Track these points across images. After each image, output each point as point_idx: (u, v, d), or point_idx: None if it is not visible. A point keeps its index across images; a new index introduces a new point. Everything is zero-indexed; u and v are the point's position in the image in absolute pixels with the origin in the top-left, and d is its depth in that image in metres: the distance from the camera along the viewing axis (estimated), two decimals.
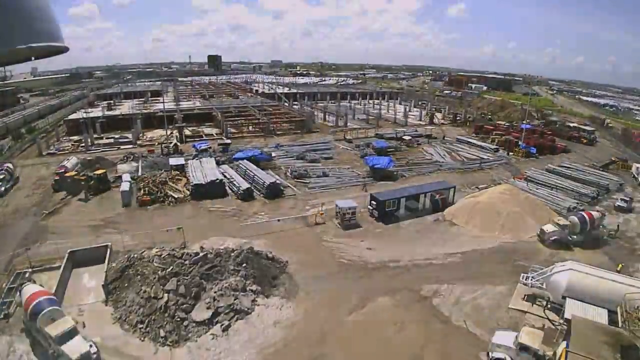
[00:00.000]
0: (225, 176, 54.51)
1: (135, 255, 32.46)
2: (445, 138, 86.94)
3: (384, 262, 35.84)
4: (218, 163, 60.99)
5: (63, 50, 6.81)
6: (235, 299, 28.04)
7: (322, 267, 34.62)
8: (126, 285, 29.51)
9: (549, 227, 40.20)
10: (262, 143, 77.87)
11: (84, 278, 32.05)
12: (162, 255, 31.89)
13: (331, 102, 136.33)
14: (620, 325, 22.83)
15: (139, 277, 29.61)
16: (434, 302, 30.24)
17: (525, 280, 30.67)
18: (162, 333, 25.61)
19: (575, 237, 39.88)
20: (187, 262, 30.65)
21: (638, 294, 24.89)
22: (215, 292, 28.38)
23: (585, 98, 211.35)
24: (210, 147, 69.96)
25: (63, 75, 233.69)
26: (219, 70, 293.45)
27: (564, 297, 28.18)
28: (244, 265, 31.27)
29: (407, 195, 46.83)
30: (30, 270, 32.34)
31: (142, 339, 25.52)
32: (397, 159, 67.21)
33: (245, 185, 51.17)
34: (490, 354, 24.09)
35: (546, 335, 24.97)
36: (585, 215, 40.66)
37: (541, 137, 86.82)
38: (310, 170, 60.59)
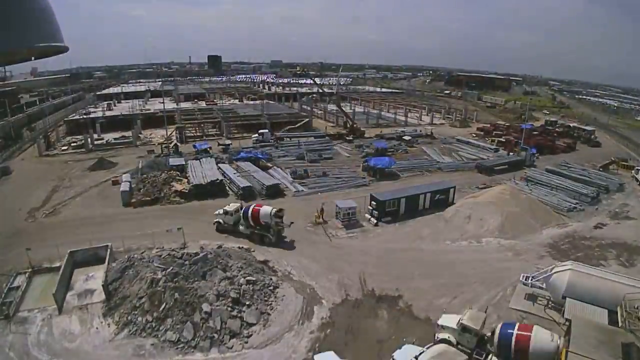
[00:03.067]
0: (225, 176, 54.66)
1: (136, 256, 32.49)
2: (447, 138, 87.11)
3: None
4: (218, 163, 61.30)
5: (63, 50, 6.79)
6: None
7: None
8: (127, 285, 29.50)
9: None
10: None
11: (84, 278, 32.00)
12: (163, 256, 31.93)
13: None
14: (620, 325, 22.82)
15: (139, 277, 29.61)
16: None
17: (525, 280, 30.68)
18: (162, 334, 25.67)
19: None
20: (187, 262, 30.66)
21: (638, 294, 24.89)
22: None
23: (585, 97, 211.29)
24: (210, 148, 70.04)
25: (63, 75, 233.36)
26: (219, 70, 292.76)
27: (564, 297, 28.20)
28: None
29: (407, 195, 46.81)
30: (30, 270, 32.33)
31: (142, 339, 25.55)
32: (397, 159, 67.27)
33: (245, 184, 51.40)
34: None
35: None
36: None
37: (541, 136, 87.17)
38: (310, 170, 60.69)
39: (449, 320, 25.09)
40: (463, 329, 23.88)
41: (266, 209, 37.92)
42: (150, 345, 25.00)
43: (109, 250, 33.78)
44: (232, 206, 40.40)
